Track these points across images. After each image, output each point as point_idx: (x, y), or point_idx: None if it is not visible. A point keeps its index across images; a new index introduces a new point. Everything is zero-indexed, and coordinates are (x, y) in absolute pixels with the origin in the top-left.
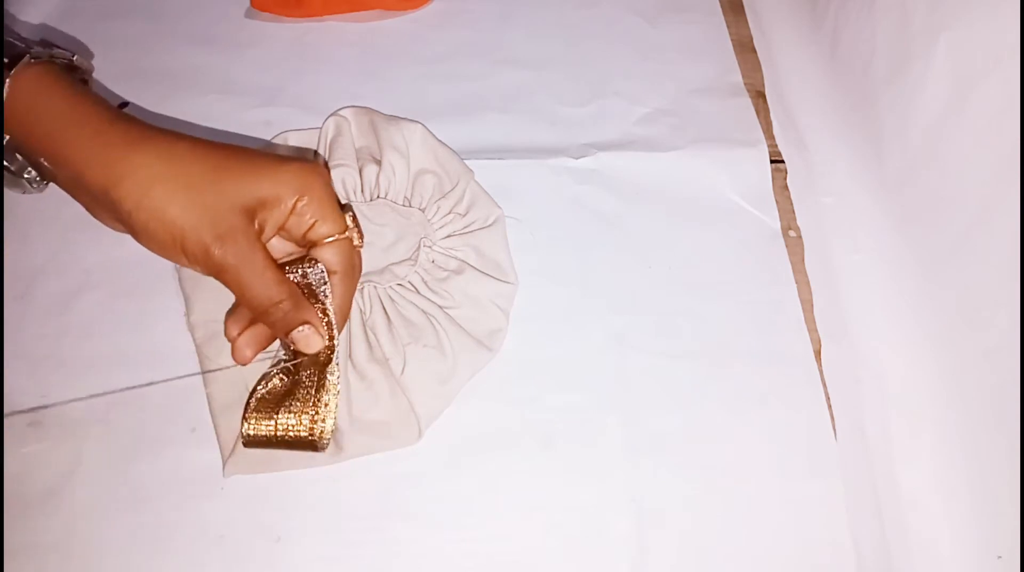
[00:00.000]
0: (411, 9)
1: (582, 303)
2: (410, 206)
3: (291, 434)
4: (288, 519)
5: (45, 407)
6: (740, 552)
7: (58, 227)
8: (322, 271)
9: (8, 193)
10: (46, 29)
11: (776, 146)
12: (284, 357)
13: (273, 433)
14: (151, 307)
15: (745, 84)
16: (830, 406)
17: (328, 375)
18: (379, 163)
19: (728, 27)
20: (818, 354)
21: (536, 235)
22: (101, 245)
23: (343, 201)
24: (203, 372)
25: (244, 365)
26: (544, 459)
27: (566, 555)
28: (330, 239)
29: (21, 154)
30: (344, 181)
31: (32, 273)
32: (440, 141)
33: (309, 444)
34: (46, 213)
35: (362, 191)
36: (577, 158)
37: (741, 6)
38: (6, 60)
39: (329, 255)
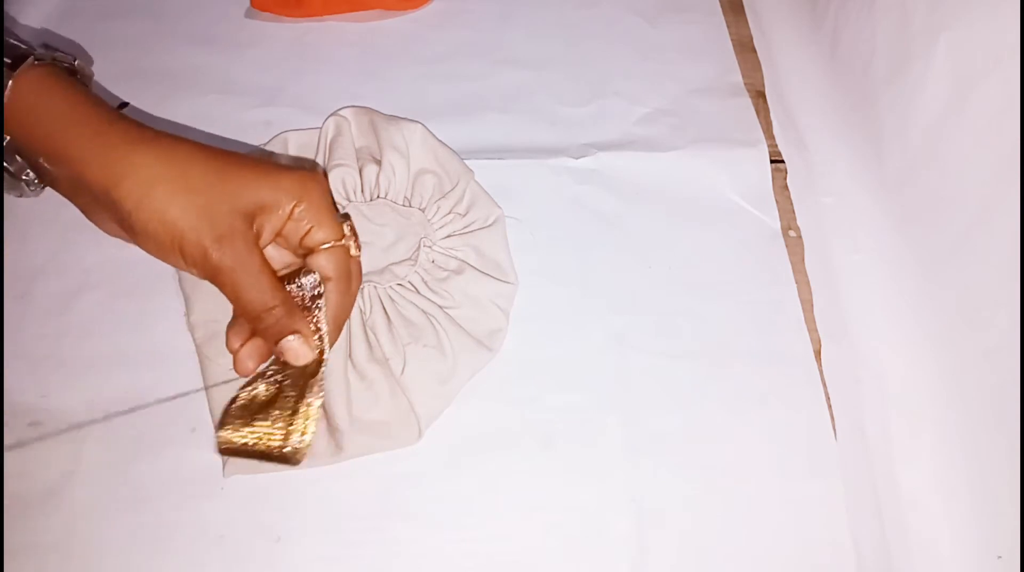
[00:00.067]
0: (411, 9)
1: (582, 303)
2: (410, 206)
3: (264, 444)
4: (288, 519)
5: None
6: (740, 552)
7: (58, 227)
8: (317, 281)
9: (6, 195)
10: (46, 33)
11: (776, 146)
12: (273, 367)
13: (246, 442)
14: (151, 307)
15: (745, 84)
16: (830, 406)
17: (309, 393)
18: (379, 163)
19: (728, 27)
20: (818, 354)
21: (536, 235)
22: (101, 245)
23: (343, 202)
24: (205, 387)
25: (246, 377)
26: (544, 459)
27: (566, 555)
28: (326, 246)
29: (20, 155)
30: (344, 181)
31: (32, 273)
32: (440, 141)
33: (282, 457)
34: (46, 214)
35: (362, 191)
36: (577, 158)
37: (741, 6)
38: (9, 61)
39: (324, 262)
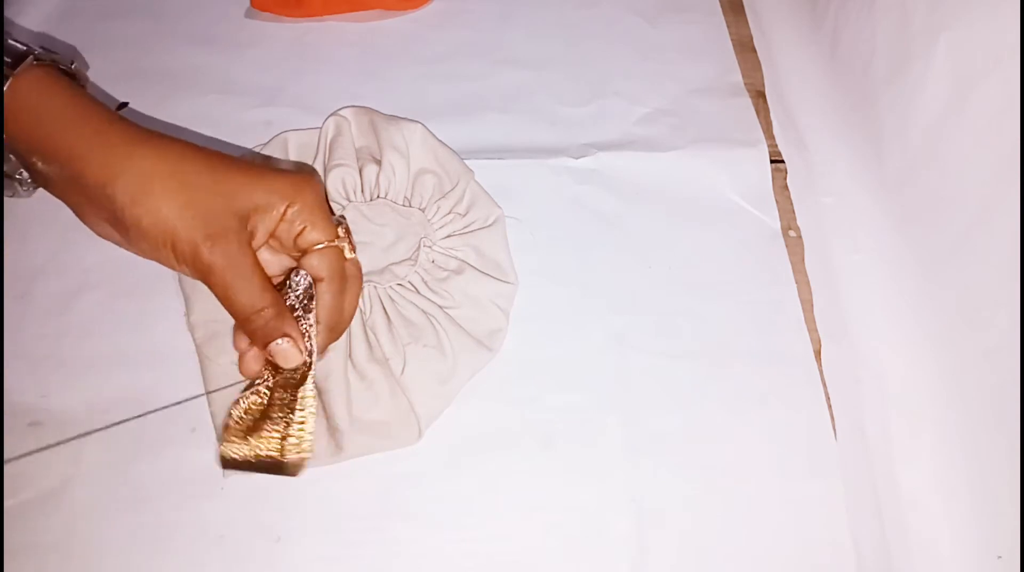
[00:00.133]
0: (411, 9)
1: (582, 303)
2: (410, 206)
3: (264, 456)
4: (288, 519)
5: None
6: (740, 552)
7: (58, 227)
8: (309, 283)
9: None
10: (43, 36)
11: (776, 146)
12: (266, 372)
13: (246, 457)
14: (151, 307)
15: (745, 84)
16: (830, 406)
17: (299, 402)
18: (379, 163)
19: (728, 27)
20: (818, 354)
21: (536, 235)
22: (101, 245)
23: (344, 201)
24: (207, 390)
25: (248, 378)
26: (544, 459)
27: (566, 555)
28: (319, 246)
29: (14, 155)
30: (344, 181)
31: (32, 273)
32: (440, 141)
33: (281, 469)
34: (46, 214)
35: (362, 191)
36: (577, 158)
37: (741, 6)
38: (9, 60)
39: (316, 262)
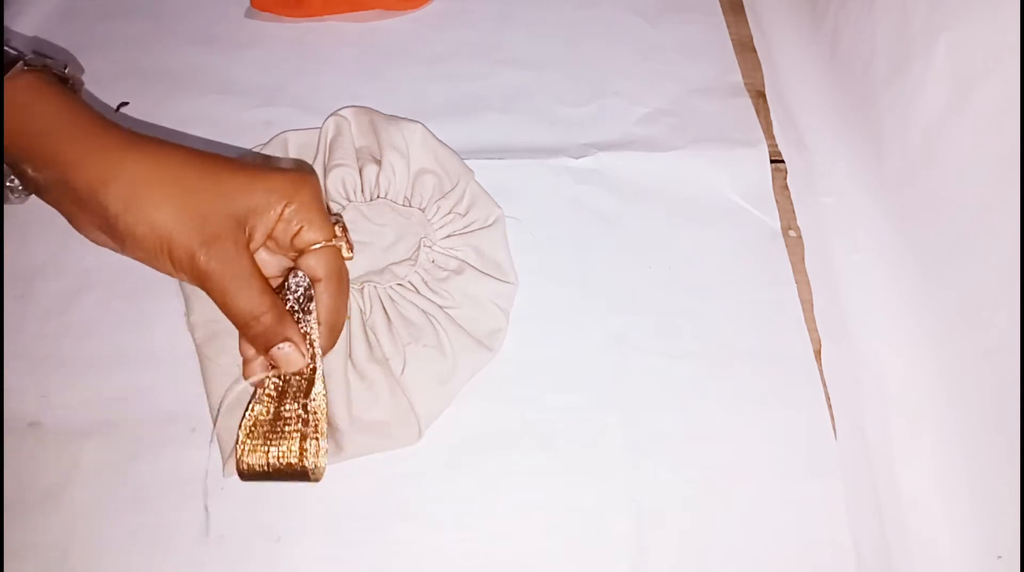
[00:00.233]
0: (411, 9)
1: (582, 303)
2: (410, 206)
3: (283, 465)
4: (288, 519)
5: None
6: (740, 552)
7: (58, 228)
8: (308, 284)
9: None
10: (38, 41)
11: (776, 146)
12: (270, 377)
13: (265, 465)
14: (151, 307)
15: (745, 84)
16: (830, 406)
17: (311, 406)
18: (379, 163)
19: (728, 27)
20: (818, 354)
21: (536, 235)
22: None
23: (344, 201)
24: (207, 391)
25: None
26: (544, 459)
27: (566, 555)
28: (316, 246)
29: (5, 162)
30: (344, 181)
31: (32, 273)
32: (440, 141)
33: (302, 475)
34: (46, 214)
35: (362, 191)
36: (577, 158)
37: (741, 6)
38: None
39: (313, 262)
